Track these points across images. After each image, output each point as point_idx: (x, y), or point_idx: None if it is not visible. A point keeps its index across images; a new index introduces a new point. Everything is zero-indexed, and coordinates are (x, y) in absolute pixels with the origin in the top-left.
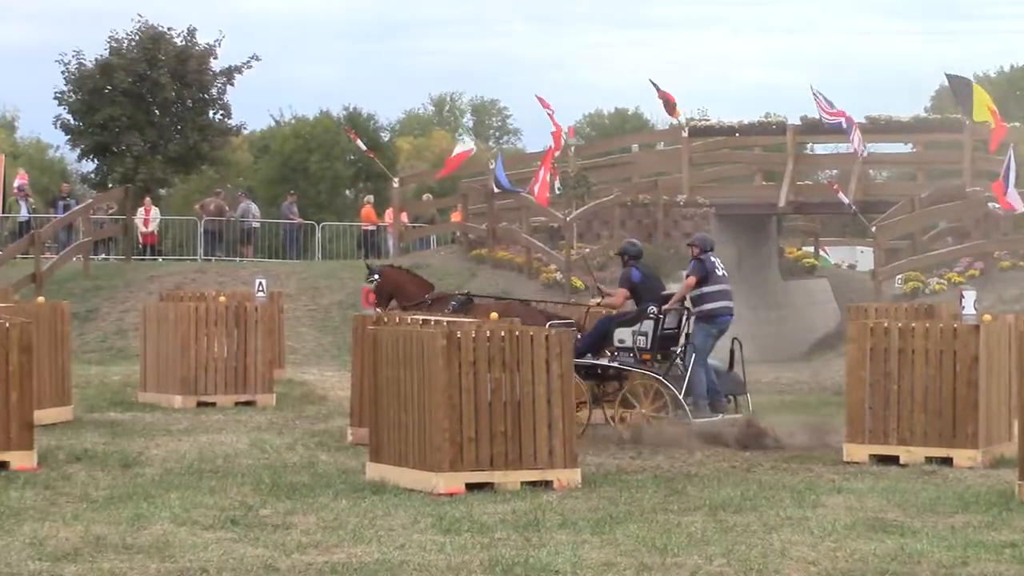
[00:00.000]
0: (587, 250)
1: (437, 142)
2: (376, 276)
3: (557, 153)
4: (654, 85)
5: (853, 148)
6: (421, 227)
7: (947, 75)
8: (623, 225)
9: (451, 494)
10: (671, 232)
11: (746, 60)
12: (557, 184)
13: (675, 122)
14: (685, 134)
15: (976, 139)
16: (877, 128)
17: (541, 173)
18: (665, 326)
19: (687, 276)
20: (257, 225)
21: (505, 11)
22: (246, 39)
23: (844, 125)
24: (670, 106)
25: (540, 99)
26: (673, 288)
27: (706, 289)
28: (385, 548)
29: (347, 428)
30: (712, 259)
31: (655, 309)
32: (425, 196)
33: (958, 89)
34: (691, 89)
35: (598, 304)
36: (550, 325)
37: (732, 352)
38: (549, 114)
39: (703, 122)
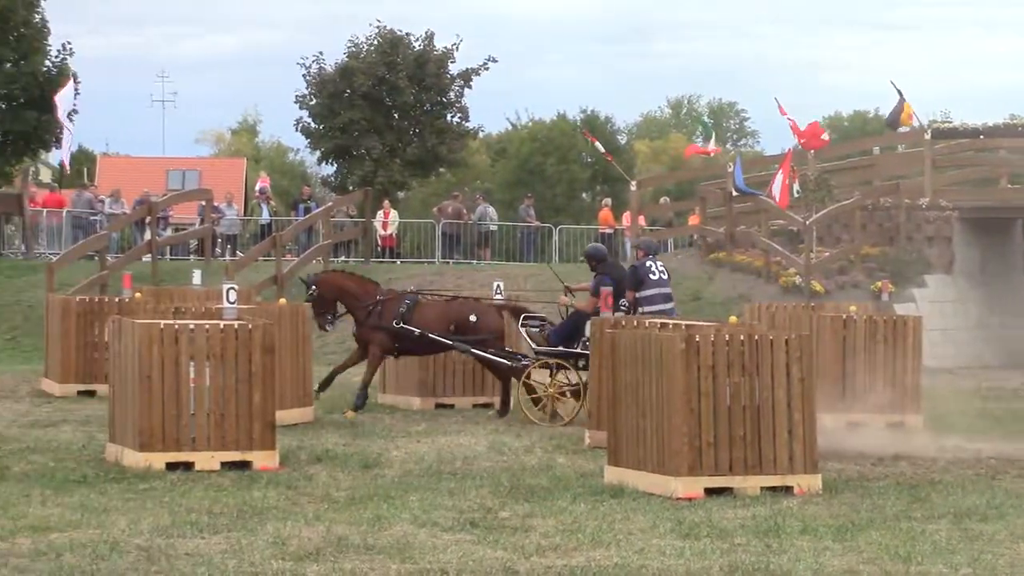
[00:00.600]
0: (825, 254)
1: (674, 144)
2: (313, 289)
3: (801, 144)
4: (896, 89)
5: None
6: (659, 230)
7: None
8: (864, 228)
9: (690, 499)
10: (913, 236)
11: (991, 62)
12: (796, 187)
13: (908, 128)
14: (927, 136)
15: None
16: None
17: (780, 176)
18: None
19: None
20: (495, 228)
21: (743, 14)
22: (483, 42)
23: None
24: (897, 114)
25: (780, 105)
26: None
27: (643, 293)
28: (624, 552)
29: (585, 431)
30: (648, 263)
31: (626, 302)
32: (663, 199)
33: None
34: (934, 91)
35: (568, 304)
36: (525, 318)
37: None
38: (793, 127)
39: (946, 124)
